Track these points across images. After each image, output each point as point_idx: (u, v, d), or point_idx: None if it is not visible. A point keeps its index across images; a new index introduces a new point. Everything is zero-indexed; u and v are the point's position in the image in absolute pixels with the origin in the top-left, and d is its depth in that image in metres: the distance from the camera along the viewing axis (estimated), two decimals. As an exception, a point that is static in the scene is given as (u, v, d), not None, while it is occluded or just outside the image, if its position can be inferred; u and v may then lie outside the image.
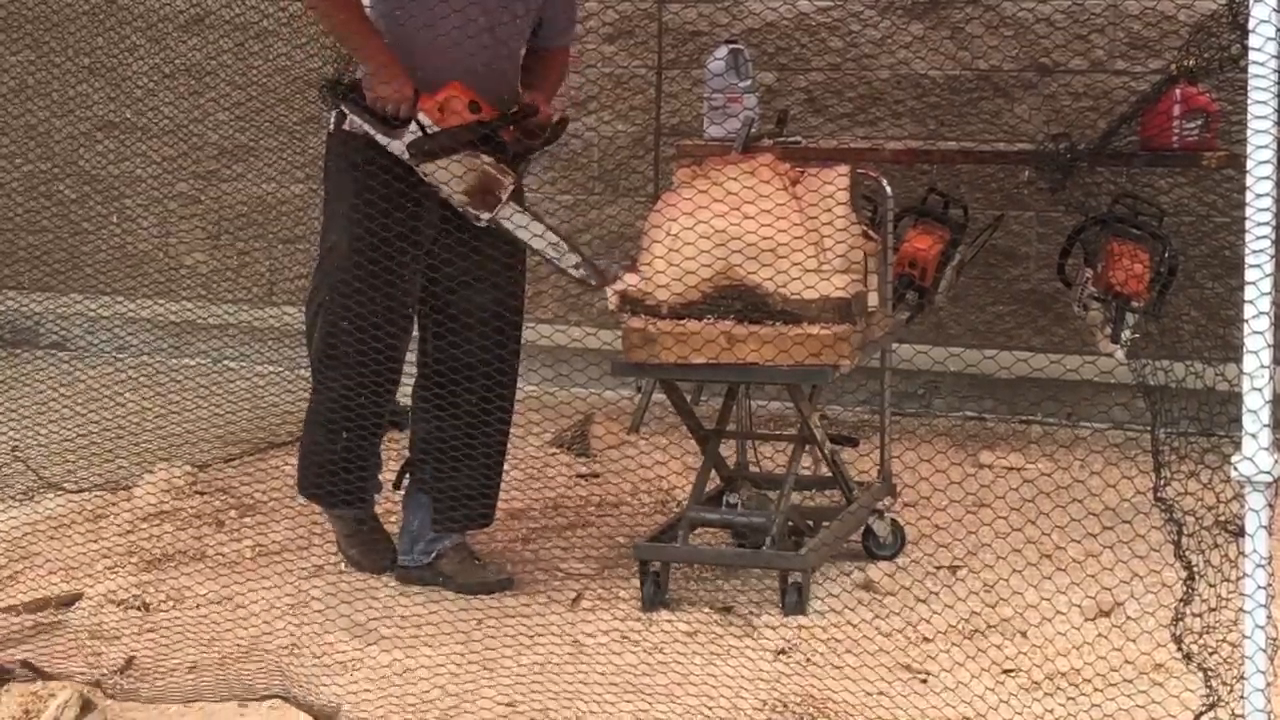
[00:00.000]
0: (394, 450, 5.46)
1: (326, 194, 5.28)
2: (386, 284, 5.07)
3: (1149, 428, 4.42)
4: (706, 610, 4.97)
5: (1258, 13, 3.41)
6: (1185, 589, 3.92)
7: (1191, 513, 4.01)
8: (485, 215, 5.01)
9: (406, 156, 4.97)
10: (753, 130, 6.34)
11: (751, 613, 4.95)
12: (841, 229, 4.90)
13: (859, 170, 5.29)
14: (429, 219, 5.10)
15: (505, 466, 5.34)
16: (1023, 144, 6.69)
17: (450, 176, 4.96)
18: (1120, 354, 5.73)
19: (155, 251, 8.48)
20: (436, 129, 4.95)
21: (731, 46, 6.79)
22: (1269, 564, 3.47)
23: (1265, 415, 3.44)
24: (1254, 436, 3.45)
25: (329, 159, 5.26)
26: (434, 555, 5.23)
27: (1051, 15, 6.97)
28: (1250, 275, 3.43)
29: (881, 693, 4.32)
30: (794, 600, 4.94)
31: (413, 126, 4.95)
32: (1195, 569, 3.93)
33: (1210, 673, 3.76)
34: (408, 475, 5.32)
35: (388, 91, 4.96)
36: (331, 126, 5.20)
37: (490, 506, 5.30)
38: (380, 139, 4.99)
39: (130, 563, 5.40)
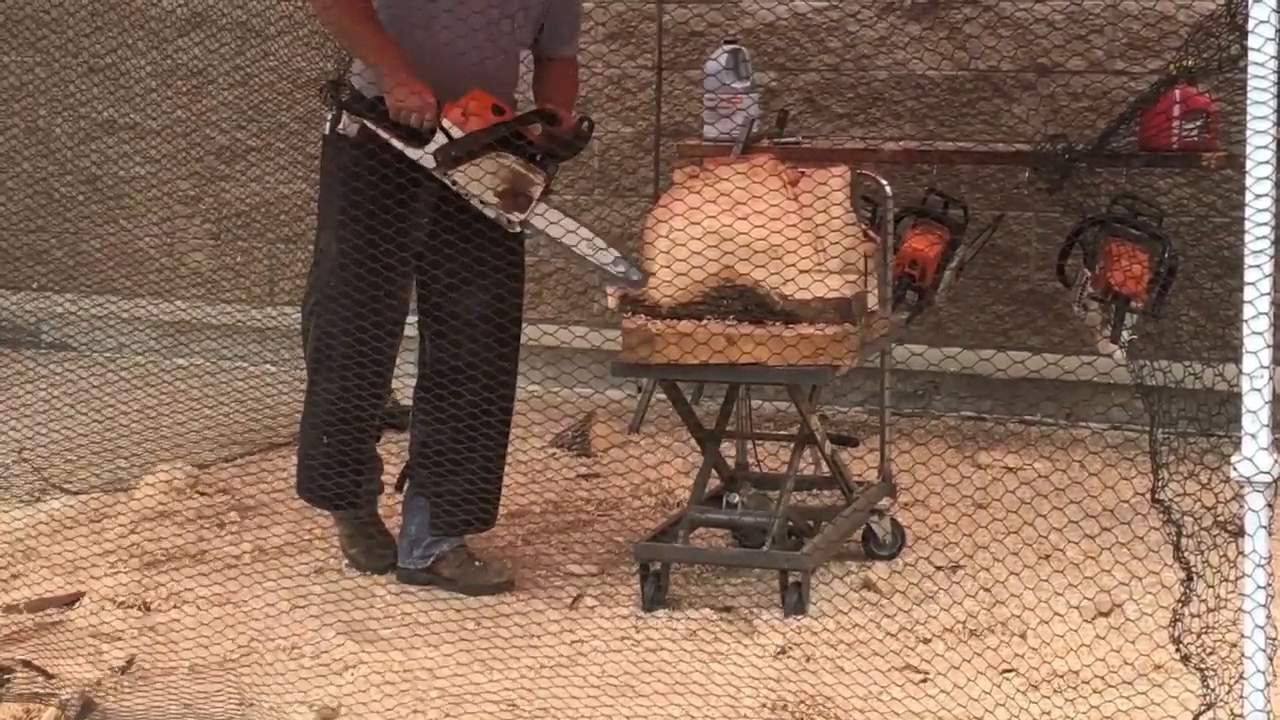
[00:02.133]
0: (396, 451, 5.46)
1: (320, 197, 5.27)
2: (373, 288, 5.04)
3: (1148, 428, 4.42)
4: (706, 610, 4.97)
5: (1257, 13, 3.41)
6: (1184, 589, 3.92)
7: (1190, 513, 4.01)
8: (518, 217, 4.92)
9: (433, 166, 4.90)
10: (753, 130, 6.34)
11: (751, 613, 4.95)
12: (840, 229, 4.90)
13: (858, 171, 5.29)
14: (419, 222, 5.07)
15: (505, 468, 5.33)
16: (1021, 144, 6.70)
17: (479, 178, 4.89)
18: (1119, 354, 5.74)
19: (157, 251, 8.48)
20: (461, 134, 4.88)
21: (731, 47, 6.79)
22: (1268, 564, 3.48)
23: (1265, 415, 3.45)
24: (1253, 436, 3.45)
25: (323, 162, 5.23)
26: (433, 559, 5.22)
27: (1051, 15, 6.97)
28: (1250, 275, 3.43)
29: (881, 693, 4.33)
30: (794, 600, 4.94)
31: (438, 135, 4.87)
32: (1194, 569, 3.94)
33: (1209, 673, 3.76)
34: (409, 478, 5.32)
35: (408, 101, 4.88)
36: (326, 129, 5.17)
37: (489, 510, 5.26)
38: (405, 151, 4.91)
39: (131, 563, 5.40)
